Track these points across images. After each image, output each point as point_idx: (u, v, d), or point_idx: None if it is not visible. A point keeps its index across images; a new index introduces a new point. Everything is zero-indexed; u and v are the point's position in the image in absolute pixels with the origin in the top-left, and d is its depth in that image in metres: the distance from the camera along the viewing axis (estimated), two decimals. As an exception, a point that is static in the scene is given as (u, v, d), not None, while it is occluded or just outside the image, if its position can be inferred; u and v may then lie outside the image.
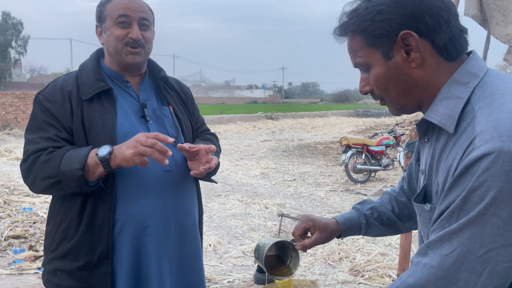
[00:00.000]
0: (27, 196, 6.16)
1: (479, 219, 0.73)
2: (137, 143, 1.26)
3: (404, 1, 0.82)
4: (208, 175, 1.57)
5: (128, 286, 1.38)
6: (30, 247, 4.03)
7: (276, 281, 1.17)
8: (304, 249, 1.18)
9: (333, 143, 13.47)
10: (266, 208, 5.95)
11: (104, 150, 1.28)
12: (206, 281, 3.55)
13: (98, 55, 1.54)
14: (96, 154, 1.28)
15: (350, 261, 4.00)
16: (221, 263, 3.98)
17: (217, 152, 1.65)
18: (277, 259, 1.26)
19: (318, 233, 1.18)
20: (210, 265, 3.89)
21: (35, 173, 1.33)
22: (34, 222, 4.81)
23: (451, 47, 0.83)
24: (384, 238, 4.66)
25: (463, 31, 0.85)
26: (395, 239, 4.57)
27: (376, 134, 9.88)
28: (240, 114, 24.88)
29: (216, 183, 1.67)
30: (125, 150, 1.27)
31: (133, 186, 1.38)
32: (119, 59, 1.46)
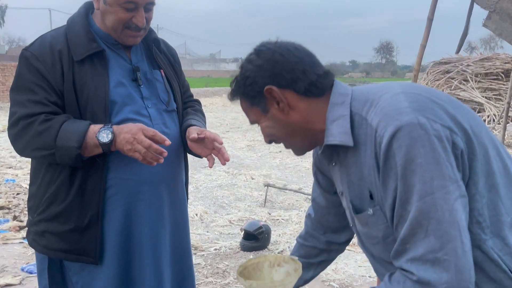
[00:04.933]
0: (10, 168, 6.08)
1: (425, 189, 0.78)
2: (134, 141, 1.24)
3: (263, 65, 0.97)
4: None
5: (118, 251, 1.37)
6: (14, 218, 4.00)
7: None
8: None
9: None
10: (252, 179, 5.98)
11: (105, 136, 1.25)
12: (193, 249, 3.59)
13: (87, 9, 1.43)
14: (97, 138, 1.24)
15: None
16: (207, 232, 4.01)
17: (203, 120, 1.64)
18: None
19: None
20: (197, 234, 3.93)
21: (27, 142, 1.29)
22: (18, 194, 4.77)
23: (314, 89, 0.97)
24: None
25: (321, 76, 0.98)
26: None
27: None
28: (226, 87, 24.63)
29: (201, 157, 1.63)
30: (124, 142, 1.25)
31: None
32: (116, 37, 1.39)
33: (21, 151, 1.34)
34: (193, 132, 1.41)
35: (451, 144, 0.80)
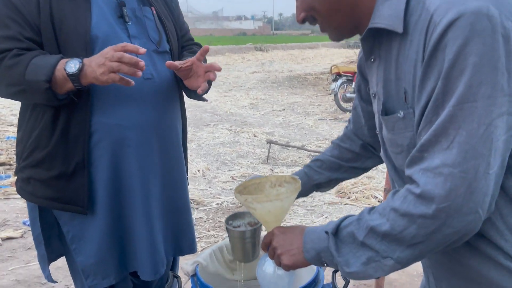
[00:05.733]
0: (11, 125, 6.04)
1: (467, 95, 0.66)
2: (105, 60, 1.13)
3: None
4: (198, 95, 1.44)
5: (108, 199, 1.31)
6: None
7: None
8: None
9: (323, 74, 13.28)
10: (255, 136, 5.93)
11: (72, 66, 1.14)
12: (195, 203, 3.60)
13: None
14: (64, 69, 1.14)
15: (337, 185, 4.06)
16: (210, 187, 4.01)
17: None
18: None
19: None
20: (199, 189, 3.92)
21: None
22: (19, 150, 4.74)
23: None
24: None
25: None
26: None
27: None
28: (228, 45, 24.20)
29: (207, 100, 1.57)
30: (95, 68, 1.14)
31: (110, 94, 1.26)
32: None
33: None
34: (175, 62, 1.29)
35: None
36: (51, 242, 1.39)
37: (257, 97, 9.32)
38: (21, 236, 2.84)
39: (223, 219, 3.28)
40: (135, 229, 1.35)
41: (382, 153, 0.95)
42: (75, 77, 1.14)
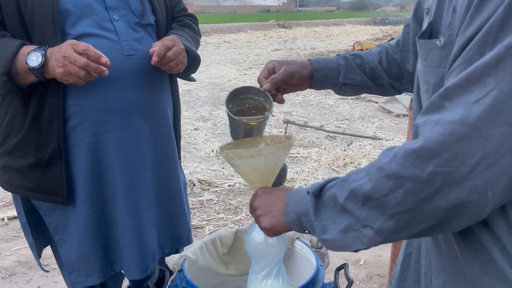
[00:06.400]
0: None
1: None
2: (65, 60, 1.01)
3: None
4: (186, 73, 1.32)
5: (88, 189, 1.21)
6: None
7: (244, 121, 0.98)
8: (273, 85, 0.99)
9: (346, 51, 12.76)
10: (273, 116, 5.77)
11: (34, 59, 1.03)
12: (206, 184, 3.51)
13: None
14: (26, 62, 1.03)
15: (355, 167, 3.89)
16: (223, 168, 3.90)
17: (195, 41, 1.38)
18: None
19: (284, 66, 1.00)
20: (212, 170, 3.83)
21: None
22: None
23: None
24: (391, 143, 4.51)
25: None
26: (404, 146, 4.42)
27: (392, 39, 9.30)
28: (251, 22, 23.80)
29: (195, 81, 1.44)
30: (55, 66, 1.03)
31: None
32: None
33: None
34: (154, 58, 1.16)
35: None
36: (38, 230, 1.31)
37: (278, 75, 9.11)
38: (28, 216, 2.82)
39: (234, 202, 3.18)
40: (118, 222, 1.25)
41: (414, 93, 0.78)
42: (37, 71, 1.04)
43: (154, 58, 1.14)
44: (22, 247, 2.46)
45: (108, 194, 1.24)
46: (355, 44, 7.76)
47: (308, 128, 5.00)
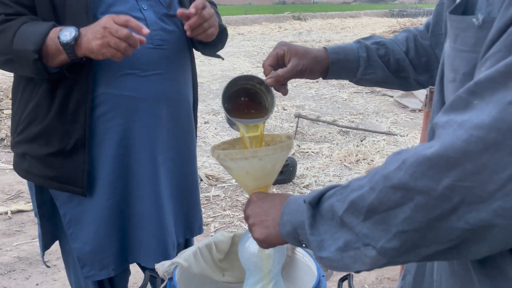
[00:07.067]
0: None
1: None
2: (105, 31, 1.01)
3: None
4: (214, 47, 1.33)
5: (110, 179, 1.21)
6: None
7: (242, 131, 0.88)
8: (277, 82, 0.87)
9: (362, 44, 12.66)
10: (284, 109, 5.66)
11: (67, 34, 1.03)
12: (214, 180, 3.43)
13: None
14: (58, 37, 1.02)
15: (368, 163, 3.77)
16: (231, 163, 3.84)
17: (220, 19, 1.37)
18: (249, 106, 0.95)
19: (295, 60, 0.88)
20: (220, 165, 3.76)
21: None
22: None
23: None
24: (406, 139, 4.37)
25: None
26: (418, 142, 4.27)
27: (409, 32, 9.05)
28: (265, 14, 23.58)
29: (223, 59, 1.43)
30: (91, 38, 1.02)
31: (116, 64, 1.12)
32: None
33: None
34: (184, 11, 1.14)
35: None
36: (51, 222, 1.31)
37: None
38: (31, 209, 2.78)
39: (241, 198, 3.10)
40: (140, 211, 1.26)
41: (436, 82, 0.65)
42: (69, 46, 1.03)
43: (191, 10, 1.11)
44: (23, 242, 2.43)
45: (132, 183, 1.24)
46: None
47: (320, 123, 4.88)
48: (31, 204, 2.84)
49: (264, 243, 0.72)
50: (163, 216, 1.29)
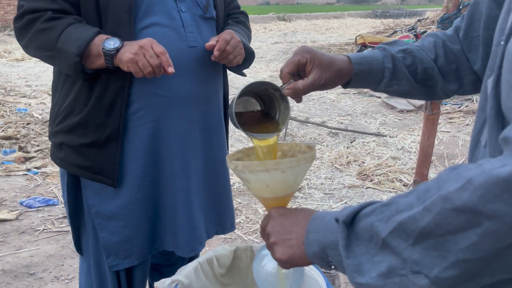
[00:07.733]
0: (24, 97, 5.91)
1: None
2: (140, 50, 1.09)
3: None
4: (240, 67, 1.38)
5: (141, 173, 1.25)
6: (20, 148, 3.84)
7: (255, 141, 0.82)
8: (296, 94, 0.81)
9: (348, 45, 12.69)
10: (273, 111, 5.63)
11: (112, 43, 1.10)
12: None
13: None
14: (103, 44, 1.10)
15: (359, 165, 3.75)
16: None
17: (249, 38, 1.46)
18: (263, 115, 0.89)
19: (317, 72, 0.80)
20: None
21: (29, 39, 1.18)
22: (28, 123, 4.60)
23: None
24: (396, 140, 4.37)
25: None
26: (408, 143, 4.27)
27: (395, 32, 9.12)
28: (250, 15, 23.56)
29: (246, 76, 1.46)
30: (126, 51, 1.10)
31: None
32: None
33: (25, 48, 1.23)
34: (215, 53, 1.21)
35: None
36: (76, 213, 1.33)
37: (278, 69, 8.95)
38: (16, 219, 2.67)
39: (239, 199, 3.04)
40: (173, 204, 1.29)
41: (490, 82, 0.57)
42: (109, 55, 1.10)
43: (215, 53, 1.20)
44: (7, 254, 2.32)
45: (161, 179, 1.27)
46: (358, 38, 7.59)
47: (309, 124, 4.86)
48: (15, 212, 2.74)
49: (287, 264, 0.66)
50: (192, 211, 1.31)
